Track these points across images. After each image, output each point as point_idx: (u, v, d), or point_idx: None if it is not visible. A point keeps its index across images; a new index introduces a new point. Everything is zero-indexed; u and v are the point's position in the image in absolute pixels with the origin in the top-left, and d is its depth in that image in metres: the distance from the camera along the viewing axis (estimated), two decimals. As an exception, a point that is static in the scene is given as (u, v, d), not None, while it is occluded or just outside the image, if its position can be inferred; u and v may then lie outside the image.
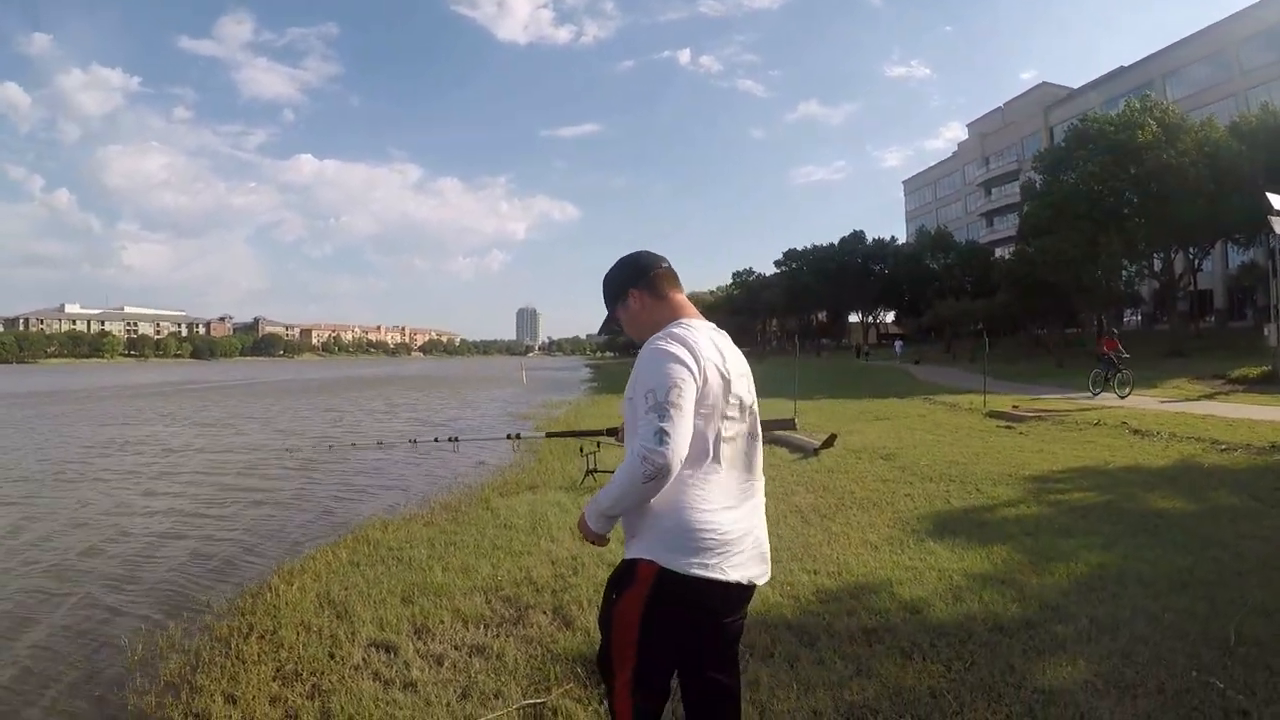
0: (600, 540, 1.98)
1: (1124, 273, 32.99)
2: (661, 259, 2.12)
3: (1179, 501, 6.22)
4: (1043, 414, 13.09)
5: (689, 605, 1.86)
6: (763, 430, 2.09)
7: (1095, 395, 16.38)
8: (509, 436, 4.02)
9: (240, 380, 49.67)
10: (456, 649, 3.59)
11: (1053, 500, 6.46)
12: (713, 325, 2.05)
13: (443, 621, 3.92)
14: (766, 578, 2.00)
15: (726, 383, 1.90)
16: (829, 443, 9.70)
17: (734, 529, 1.89)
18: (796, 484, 7.57)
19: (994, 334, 27.02)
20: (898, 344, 46.37)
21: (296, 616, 4.11)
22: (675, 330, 1.93)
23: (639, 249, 2.17)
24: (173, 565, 5.90)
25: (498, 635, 3.73)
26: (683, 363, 1.82)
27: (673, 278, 2.11)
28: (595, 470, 7.74)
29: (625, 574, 1.90)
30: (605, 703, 2.31)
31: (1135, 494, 6.53)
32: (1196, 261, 32.26)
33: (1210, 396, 15.64)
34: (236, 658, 3.64)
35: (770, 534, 5.13)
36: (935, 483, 7.40)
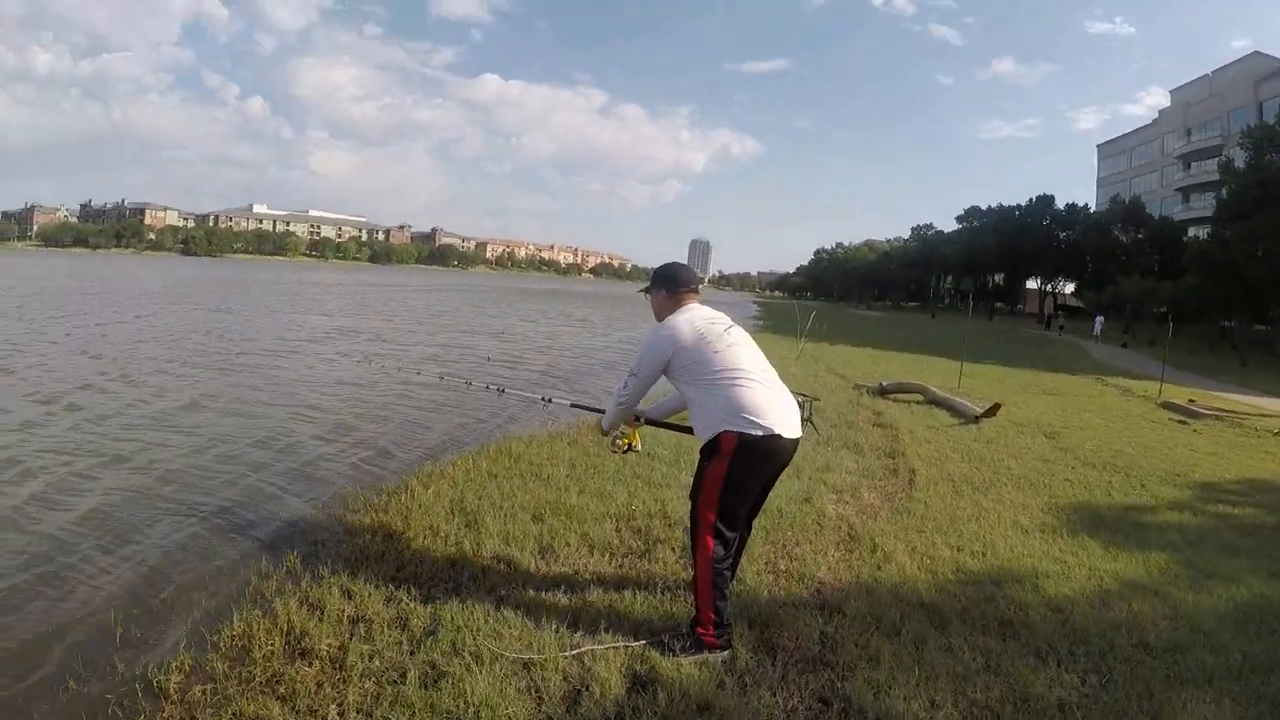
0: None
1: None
2: (692, 281, 3.13)
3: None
4: (1220, 413, 11.79)
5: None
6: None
7: None
8: (542, 399, 3.66)
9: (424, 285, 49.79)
10: (577, 574, 3.58)
11: (1221, 512, 5.82)
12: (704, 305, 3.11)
13: (569, 544, 3.91)
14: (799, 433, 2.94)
15: (703, 330, 2.92)
16: (991, 412, 9.24)
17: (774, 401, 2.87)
18: (952, 451, 7.26)
19: (1178, 320, 24.37)
20: (1098, 319, 40.36)
21: (427, 521, 4.19)
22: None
23: (677, 261, 3.32)
24: (324, 457, 6.21)
25: (621, 566, 3.72)
26: (666, 340, 2.94)
27: (692, 294, 3.10)
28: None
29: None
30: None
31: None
32: None
33: None
34: (361, 554, 3.73)
35: (917, 501, 5.28)
36: (1098, 470, 6.90)
